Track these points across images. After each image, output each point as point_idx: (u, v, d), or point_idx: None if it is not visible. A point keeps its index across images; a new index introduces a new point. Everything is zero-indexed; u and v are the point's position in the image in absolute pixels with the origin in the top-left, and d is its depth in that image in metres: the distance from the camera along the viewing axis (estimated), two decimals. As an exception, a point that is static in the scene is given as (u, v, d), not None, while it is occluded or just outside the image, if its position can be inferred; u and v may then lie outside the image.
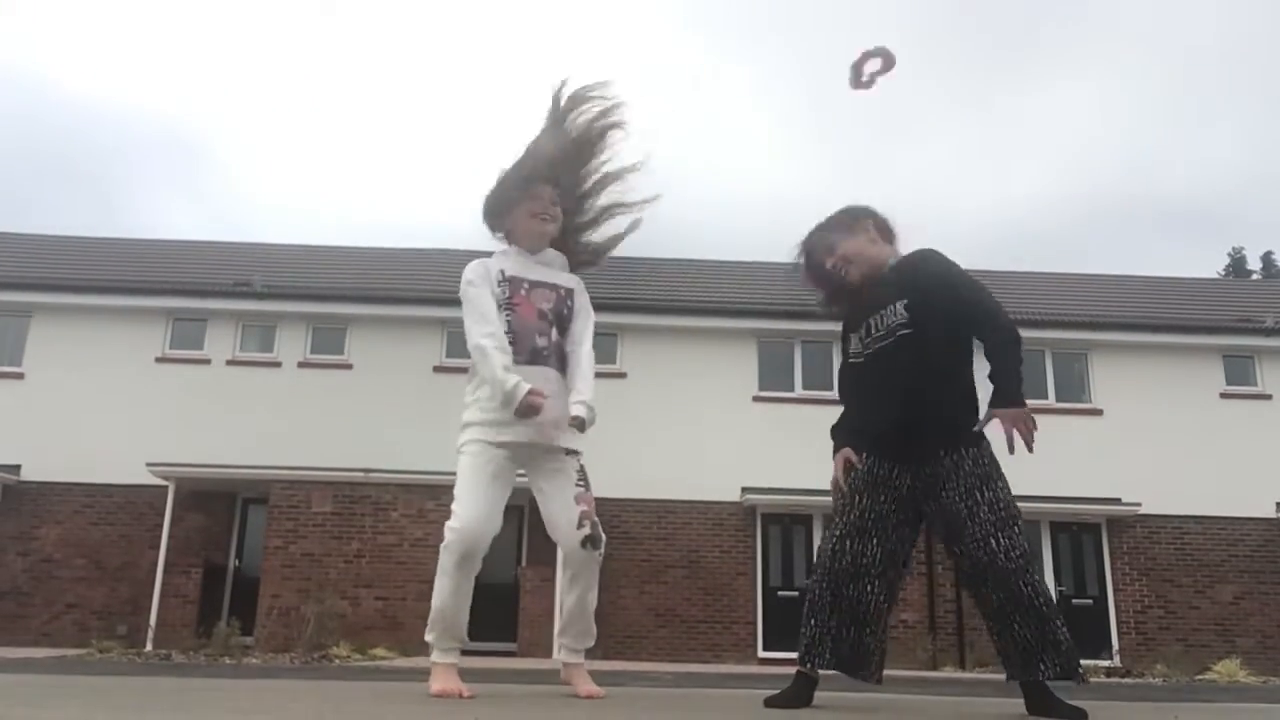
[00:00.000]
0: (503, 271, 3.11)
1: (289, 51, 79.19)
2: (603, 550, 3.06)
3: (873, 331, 2.95)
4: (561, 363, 3.10)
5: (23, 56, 65.30)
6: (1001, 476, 2.79)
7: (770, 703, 2.83)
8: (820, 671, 2.86)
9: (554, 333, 3.11)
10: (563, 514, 3.03)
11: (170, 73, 72.16)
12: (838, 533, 2.89)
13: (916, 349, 2.83)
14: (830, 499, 3.10)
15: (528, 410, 2.90)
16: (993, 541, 2.68)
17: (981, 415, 2.83)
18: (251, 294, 15.46)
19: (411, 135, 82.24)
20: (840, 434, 3.03)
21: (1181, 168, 68.93)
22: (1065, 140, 71.23)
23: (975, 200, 72.47)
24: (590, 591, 3.10)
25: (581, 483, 3.06)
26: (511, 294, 3.08)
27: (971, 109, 77.08)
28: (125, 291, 15.43)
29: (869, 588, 2.84)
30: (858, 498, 2.89)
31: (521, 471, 3.11)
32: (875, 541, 2.85)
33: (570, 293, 3.19)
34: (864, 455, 2.94)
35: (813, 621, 2.86)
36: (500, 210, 3.17)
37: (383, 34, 76.79)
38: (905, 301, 2.88)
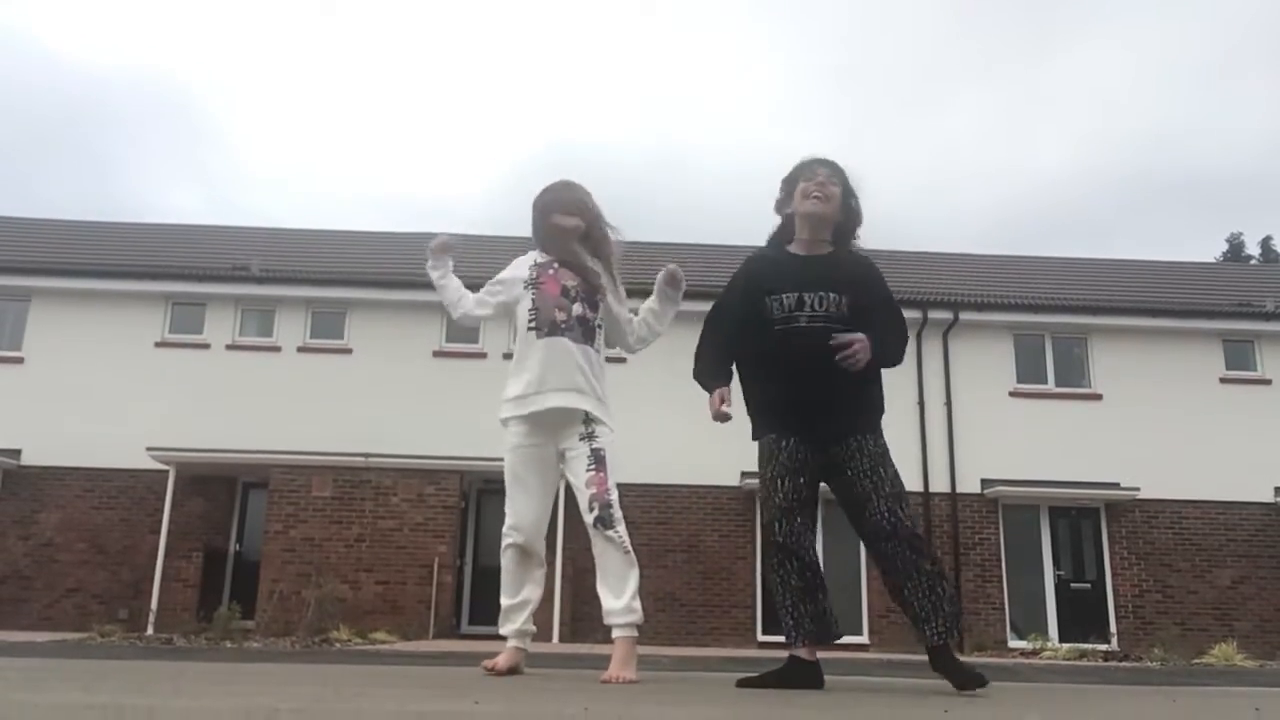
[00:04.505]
0: (535, 262, 3.45)
1: (293, 29, 78.91)
2: (618, 531, 3.18)
3: (808, 306, 3.12)
4: (585, 335, 3.35)
5: (21, 25, 64.91)
6: (892, 460, 3.10)
7: (741, 683, 3.05)
8: (803, 648, 3.08)
9: (576, 308, 3.35)
10: (580, 499, 3.24)
11: (171, 43, 71.81)
12: (768, 519, 3.12)
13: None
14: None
15: (436, 244, 3.47)
16: (899, 511, 2.99)
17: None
18: (250, 278, 15.44)
19: (415, 115, 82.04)
20: (713, 377, 3.26)
21: (1203, 141, 68.19)
22: (1089, 108, 70.61)
23: (995, 170, 72.26)
24: (610, 574, 3.21)
25: (593, 466, 3.23)
26: (539, 275, 3.39)
27: (994, 76, 76.68)
28: (124, 276, 15.41)
29: (806, 559, 3.09)
30: (780, 482, 3.09)
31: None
32: (799, 520, 3.09)
33: (596, 273, 3.45)
34: (783, 440, 3.13)
35: (779, 606, 3.12)
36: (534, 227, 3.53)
37: (388, 13, 76.51)
38: (848, 299, 3.12)
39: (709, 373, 3.29)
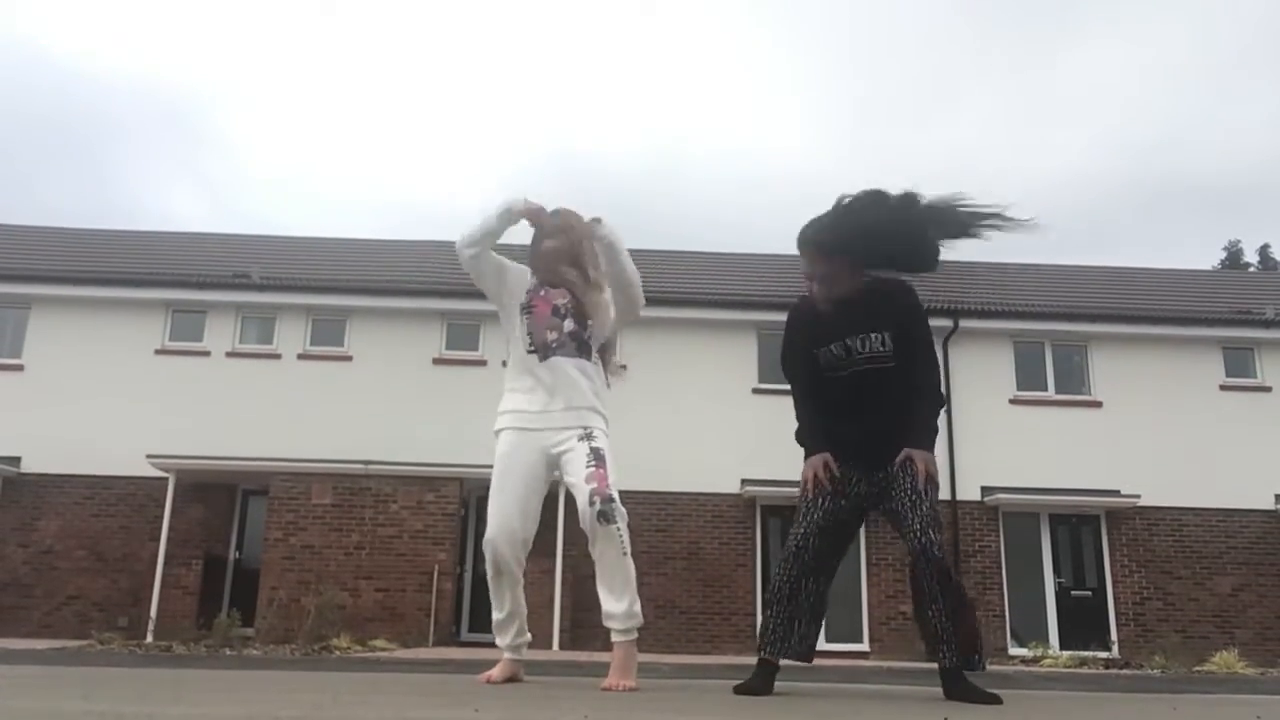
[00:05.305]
0: (530, 283, 3.49)
1: (292, 33, 79.08)
2: (619, 526, 3.15)
3: (854, 352, 3.18)
4: (578, 349, 3.38)
5: (20, 28, 64.97)
6: (937, 483, 3.13)
7: (740, 690, 3.08)
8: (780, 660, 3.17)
9: (568, 324, 3.38)
10: (579, 497, 3.19)
11: (170, 46, 71.86)
12: (802, 531, 3.17)
13: (895, 376, 3.17)
14: (799, 493, 3.32)
15: (525, 208, 3.39)
16: (931, 532, 2.99)
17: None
18: (251, 285, 15.46)
19: (414, 120, 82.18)
20: (815, 439, 3.27)
21: (1201, 149, 68.06)
22: (1089, 116, 70.43)
23: (997, 175, 72.24)
24: (610, 575, 3.18)
25: (593, 463, 3.22)
26: (531, 299, 3.43)
27: (997, 82, 76.79)
28: (124, 283, 15.42)
29: (822, 582, 3.22)
30: (823, 500, 3.18)
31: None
32: (831, 541, 3.21)
33: (581, 288, 3.46)
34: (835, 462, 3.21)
35: (770, 612, 3.19)
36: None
37: (386, 17, 76.68)
38: (890, 334, 3.16)
39: (808, 438, 3.30)
